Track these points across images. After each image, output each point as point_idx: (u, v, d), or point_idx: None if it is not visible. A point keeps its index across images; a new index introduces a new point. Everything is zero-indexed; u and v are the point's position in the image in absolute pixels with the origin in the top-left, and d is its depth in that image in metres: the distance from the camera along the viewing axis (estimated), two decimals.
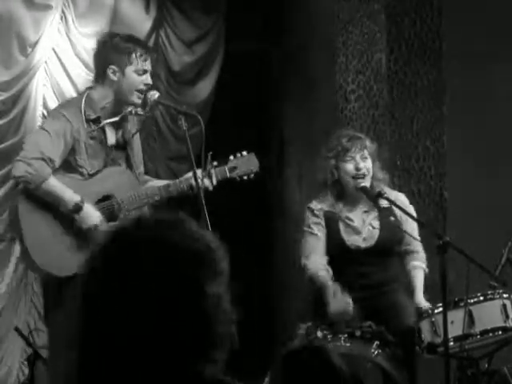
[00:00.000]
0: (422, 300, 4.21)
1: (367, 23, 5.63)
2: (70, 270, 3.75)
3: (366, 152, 4.30)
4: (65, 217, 3.82)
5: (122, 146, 4.06)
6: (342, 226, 4.32)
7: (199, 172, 3.82)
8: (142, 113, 4.08)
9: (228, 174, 4.01)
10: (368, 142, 4.36)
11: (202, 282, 1.41)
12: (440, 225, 5.41)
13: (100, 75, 3.96)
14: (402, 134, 5.53)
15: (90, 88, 4.02)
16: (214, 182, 3.92)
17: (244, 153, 4.09)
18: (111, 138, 4.01)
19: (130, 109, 3.99)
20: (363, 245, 4.29)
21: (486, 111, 5.56)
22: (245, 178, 4.06)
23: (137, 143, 4.17)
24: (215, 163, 3.94)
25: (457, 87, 5.60)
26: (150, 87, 3.99)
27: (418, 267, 4.37)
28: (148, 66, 3.95)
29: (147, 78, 3.94)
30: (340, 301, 4.00)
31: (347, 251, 4.28)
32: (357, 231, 4.31)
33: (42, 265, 3.80)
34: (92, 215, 3.81)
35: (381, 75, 5.59)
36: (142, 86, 3.92)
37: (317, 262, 4.25)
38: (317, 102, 6.05)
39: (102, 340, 1.37)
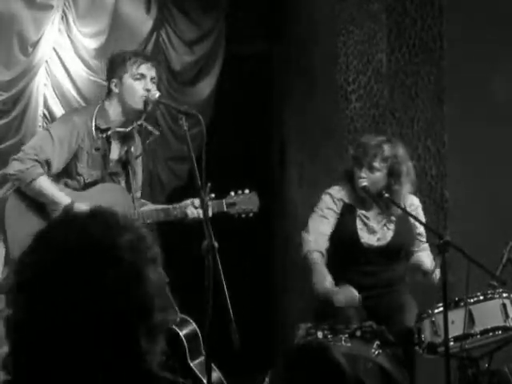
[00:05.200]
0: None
1: (368, 23, 5.63)
2: None
3: (376, 164, 4.25)
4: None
5: (124, 163, 4.07)
6: (358, 223, 4.32)
7: (196, 201, 3.82)
8: (151, 129, 4.08)
9: (225, 209, 3.98)
10: (388, 151, 4.27)
11: (138, 268, 1.43)
12: (440, 224, 5.42)
13: (108, 92, 4.02)
14: (402, 133, 5.53)
15: (103, 101, 4.05)
16: (210, 213, 3.89)
17: (246, 191, 4.04)
18: (115, 152, 4.02)
19: (140, 122, 4.01)
20: (376, 244, 4.31)
21: (486, 111, 5.56)
22: (243, 216, 4.02)
23: (138, 167, 4.19)
24: (213, 195, 3.89)
25: (457, 87, 5.60)
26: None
27: (426, 255, 4.39)
28: (144, 70, 3.96)
29: (146, 83, 3.95)
30: (344, 291, 4.00)
31: (359, 248, 4.28)
32: (372, 231, 4.32)
33: None
34: None
35: (381, 75, 5.59)
36: (142, 92, 3.93)
37: (317, 241, 4.25)
38: (317, 102, 6.05)
39: (40, 335, 1.39)
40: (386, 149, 4.27)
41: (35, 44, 5.07)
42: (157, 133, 4.21)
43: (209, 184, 3.72)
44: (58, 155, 3.84)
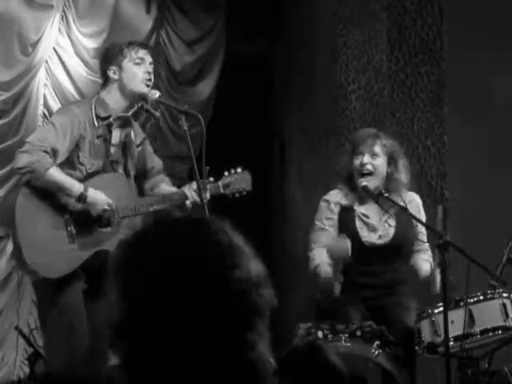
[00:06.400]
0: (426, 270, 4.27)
1: (368, 23, 5.63)
2: (57, 272, 3.75)
3: (377, 149, 4.28)
4: (62, 217, 3.81)
5: (123, 150, 4.06)
6: (358, 223, 4.32)
7: (195, 184, 3.83)
8: (151, 110, 4.08)
9: (222, 190, 4.02)
10: (385, 140, 4.35)
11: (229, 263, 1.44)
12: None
13: (105, 80, 4.00)
14: (402, 133, 5.53)
15: (99, 92, 4.04)
16: (208, 196, 3.92)
17: (238, 170, 4.08)
18: (115, 139, 4.01)
19: (140, 104, 4.00)
20: (378, 242, 4.30)
21: (486, 111, 5.57)
22: (237, 195, 4.06)
23: (148, 148, 4.19)
24: (211, 178, 3.94)
25: (457, 87, 5.60)
26: (152, 83, 3.99)
27: (426, 260, 4.39)
28: (142, 54, 3.96)
29: (146, 67, 3.94)
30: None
31: (361, 248, 4.27)
32: (373, 228, 4.31)
33: (31, 264, 3.77)
34: (98, 201, 3.81)
35: (381, 75, 5.59)
36: (142, 75, 3.92)
37: (322, 255, 4.26)
38: (317, 102, 6.06)
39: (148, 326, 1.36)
40: (383, 137, 4.35)
41: (35, 44, 5.08)
42: (157, 114, 4.22)
43: (207, 167, 3.73)
44: (61, 144, 3.82)
